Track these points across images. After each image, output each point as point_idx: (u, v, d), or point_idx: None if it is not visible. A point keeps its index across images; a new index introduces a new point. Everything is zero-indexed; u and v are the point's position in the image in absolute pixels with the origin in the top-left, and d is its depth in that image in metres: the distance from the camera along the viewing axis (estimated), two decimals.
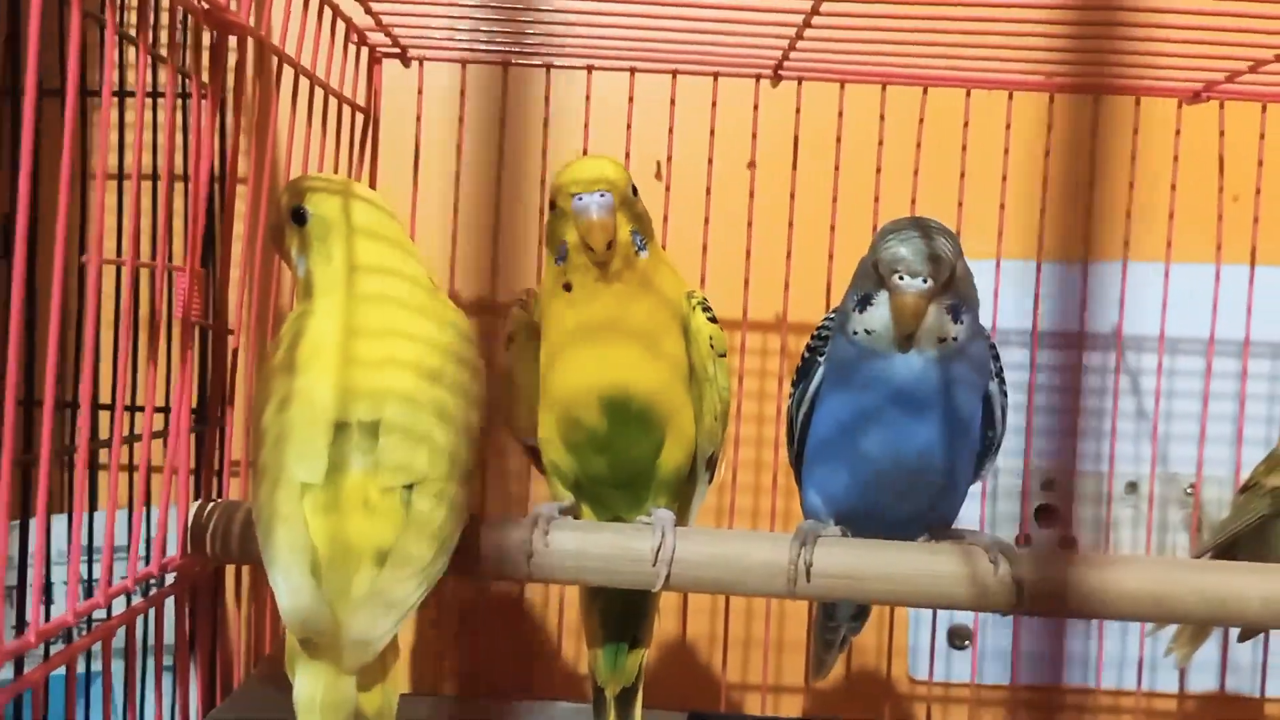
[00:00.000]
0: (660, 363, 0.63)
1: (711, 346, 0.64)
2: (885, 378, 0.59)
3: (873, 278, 0.59)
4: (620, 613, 0.69)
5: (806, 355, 0.65)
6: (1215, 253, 0.87)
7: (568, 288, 0.62)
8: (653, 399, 0.63)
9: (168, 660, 0.67)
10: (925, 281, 0.57)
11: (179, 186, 0.80)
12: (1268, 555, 0.69)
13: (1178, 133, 0.86)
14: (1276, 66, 0.77)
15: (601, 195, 0.60)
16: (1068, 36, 0.74)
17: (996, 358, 0.64)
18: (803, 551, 0.61)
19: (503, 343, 0.67)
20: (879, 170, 0.86)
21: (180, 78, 0.75)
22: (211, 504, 0.66)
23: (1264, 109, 0.85)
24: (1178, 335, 0.92)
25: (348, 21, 0.81)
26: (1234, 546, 0.73)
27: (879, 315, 0.58)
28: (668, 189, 0.88)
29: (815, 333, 0.65)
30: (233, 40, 0.67)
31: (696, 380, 0.65)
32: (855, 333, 0.59)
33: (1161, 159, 0.86)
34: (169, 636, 0.66)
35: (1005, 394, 0.64)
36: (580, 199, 0.60)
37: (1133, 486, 0.97)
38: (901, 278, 0.57)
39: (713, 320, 0.65)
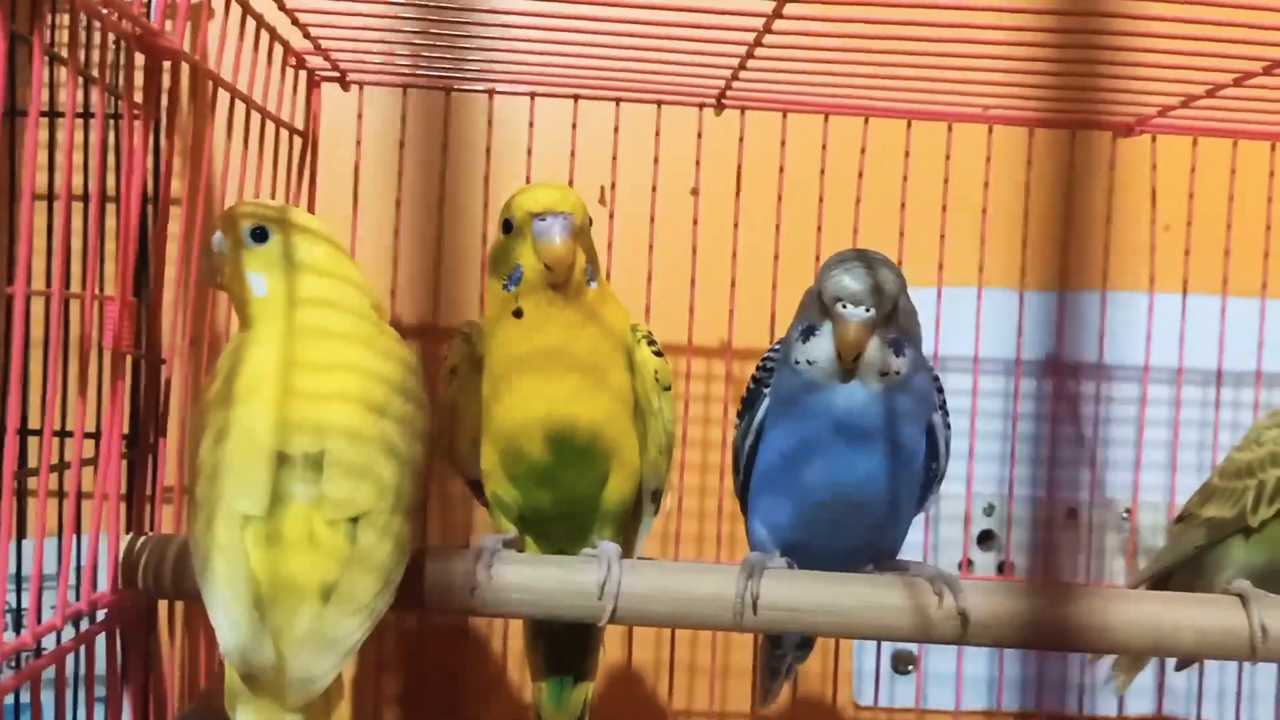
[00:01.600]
0: (606, 395, 0.63)
1: (656, 380, 0.64)
2: (828, 409, 0.59)
3: (817, 308, 0.59)
4: (565, 645, 0.68)
5: (752, 386, 0.65)
6: (1149, 282, 0.89)
7: (518, 314, 0.61)
8: (597, 432, 0.63)
9: (101, 691, 0.65)
10: (868, 311, 0.57)
11: (110, 211, 0.78)
12: (1201, 584, 0.69)
13: (1112, 165, 0.88)
14: (1206, 102, 0.79)
15: (565, 217, 0.59)
16: (1005, 71, 0.75)
17: (940, 390, 0.64)
18: (749, 584, 0.61)
19: (445, 376, 0.66)
20: (821, 199, 0.87)
21: (112, 99, 0.73)
22: (143, 538, 0.64)
23: (1195, 142, 0.88)
24: (1115, 363, 0.93)
25: (285, 45, 0.79)
26: (1169, 576, 0.74)
27: (822, 346, 0.59)
28: (611, 216, 0.88)
29: (760, 364, 0.65)
30: (168, 63, 0.65)
31: (641, 414, 0.65)
32: (798, 363, 0.60)
33: (1096, 190, 0.87)
34: (101, 670, 0.64)
35: (949, 426, 0.64)
36: (543, 219, 0.59)
37: (1072, 513, 0.98)
38: (845, 307, 0.57)
39: (658, 354, 0.64)
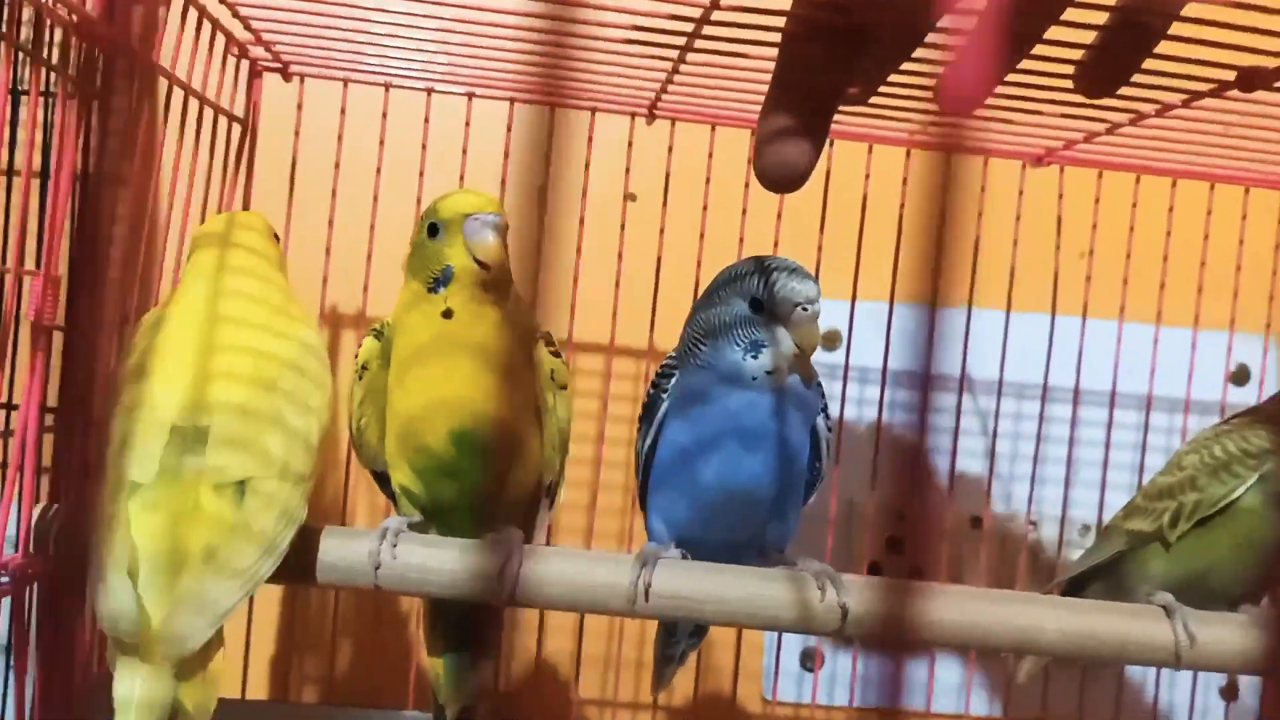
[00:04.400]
0: (513, 394, 0.66)
1: (552, 378, 0.67)
2: (725, 413, 0.63)
3: (753, 322, 0.62)
4: (464, 622, 0.70)
5: (651, 393, 0.68)
6: (1050, 304, 0.93)
7: (448, 314, 0.64)
8: (503, 429, 0.65)
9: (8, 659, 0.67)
10: (816, 305, 0.62)
11: (39, 188, 0.79)
12: (1119, 594, 0.73)
13: (1021, 193, 0.92)
14: (1107, 139, 0.83)
15: (496, 218, 0.63)
16: (923, 99, 0.78)
17: (823, 394, 0.67)
18: (643, 573, 0.63)
19: (356, 371, 0.68)
20: (744, 211, 0.90)
21: (47, 76, 0.75)
22: (56, 506, 0.66)
23: (1100, 175, 0.92)
24: (1020, 380, 0.98)
25: (228, 35, 0.81)
26: (1083, 585, 0.78)
27: (777, 353, 0.62)
28: (542, 219, 0.91)
29: (660, 370, 0.68)
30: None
31: (538, 411, 0.67)
32: (755, 379, 0.63)
33: (1006, 216, 0.92)
34: (8, 635, 0.66)
35: (831, 429, 0.68)
36: (476, 219, 0.63)
37: (977, 521, 1.02)
38: (805, 309, 0.61)
39: (555, 354, 0.67)
